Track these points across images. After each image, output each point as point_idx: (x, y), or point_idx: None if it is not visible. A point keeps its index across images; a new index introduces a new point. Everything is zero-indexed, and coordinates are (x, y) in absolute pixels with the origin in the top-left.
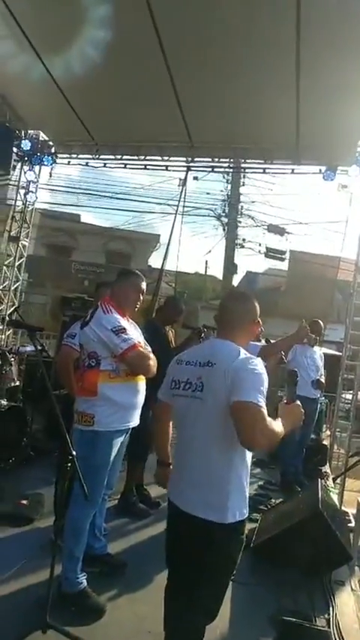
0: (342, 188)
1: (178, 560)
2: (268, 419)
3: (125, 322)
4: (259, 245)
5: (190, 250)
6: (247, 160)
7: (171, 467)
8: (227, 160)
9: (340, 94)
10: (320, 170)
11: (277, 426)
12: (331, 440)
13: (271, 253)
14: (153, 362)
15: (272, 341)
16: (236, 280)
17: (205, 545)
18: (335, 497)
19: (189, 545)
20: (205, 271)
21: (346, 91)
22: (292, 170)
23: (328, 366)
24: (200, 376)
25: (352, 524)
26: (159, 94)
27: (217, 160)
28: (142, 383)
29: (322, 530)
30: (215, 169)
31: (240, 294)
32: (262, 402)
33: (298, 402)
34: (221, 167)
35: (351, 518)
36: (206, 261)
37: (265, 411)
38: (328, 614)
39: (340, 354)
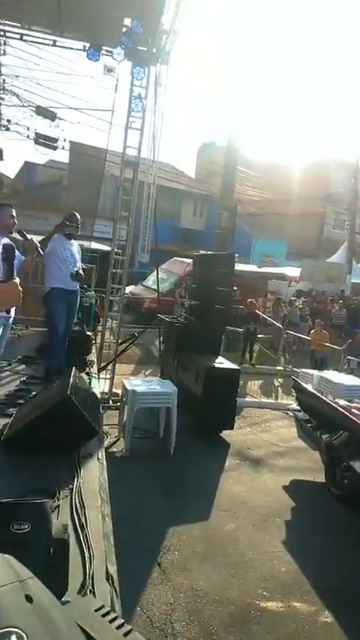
0: (108, 72)
1: None
2: None
3: None
4: (28, 129)
5: None
6: (3, 22)
7: None
8: None
9: None
10: (85, 47)
11: None
12: (103, 329)
13: (42, 140)
14: None
15: (28, 235)
16: (9, 170)
17: None
18: (98, 382)
19: None
20: None
21: None
22: (54, 42)
23: (101, 261)
24: None
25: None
26: None
27: None
28: None
29: (70, 413)
30: None
31: None
32: None
33: (16, 280)
34: None
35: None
36: None
37: None
38: (72, 484)
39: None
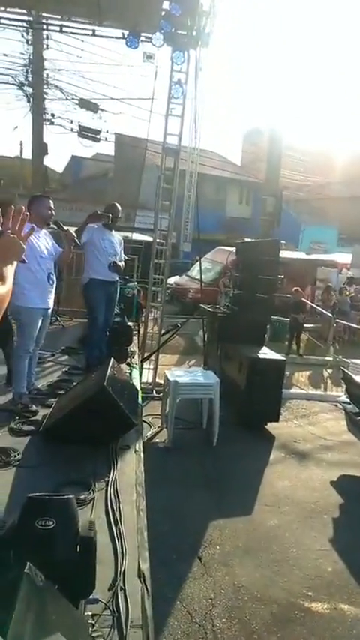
0: (147, 59)
1: None
2: None
3: None
4: (71, 122)
5: None
6: (43, 14)
7: None
8: (20, 11)
9: None
10: (123, 35)
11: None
12: (145, 320)
13: (85, 132)
14: None
15: (64, 226)
16: (57, 164)
17: None
18: (139, 373)
19: None
20: (21, 153)
21: None
22: (94, 32)
23: (145, 251)
24: None
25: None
26: None
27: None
28: None
29: (107, 404)
30: (2, 21)
31: None
32: None
33: (7, 233)
34: (12, 20)
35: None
36: (20, 142)
37: None
38: (108, 477)
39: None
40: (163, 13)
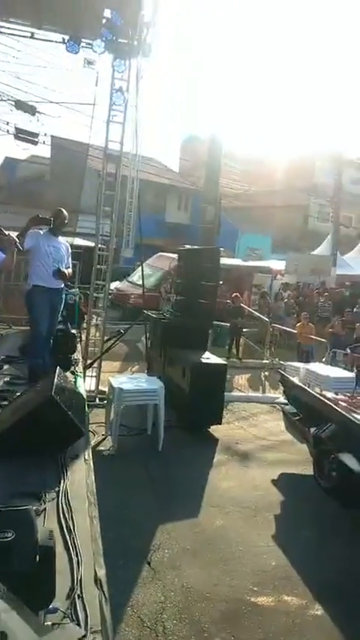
0: (88, 64)
1: None
2: None
3: None
4: (7, 124)
5: None
6: None
7: None
8: None
9: None
10: (64, 39)
11: None
12: (88, 327)
13: (22, 135)
14: None
15: (5, 231)
16: None
17: None
18: (83, 381)
19: None
20: None
21: None
22: (32, 34)
23: (85, 257)
24: None
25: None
26: None
27: None
28: None
29: (54, 413)
30: None
31: None
32: None
33: None
34: None
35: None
36: None
37: None
38: (59, 487)
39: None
40: (105, 20)
